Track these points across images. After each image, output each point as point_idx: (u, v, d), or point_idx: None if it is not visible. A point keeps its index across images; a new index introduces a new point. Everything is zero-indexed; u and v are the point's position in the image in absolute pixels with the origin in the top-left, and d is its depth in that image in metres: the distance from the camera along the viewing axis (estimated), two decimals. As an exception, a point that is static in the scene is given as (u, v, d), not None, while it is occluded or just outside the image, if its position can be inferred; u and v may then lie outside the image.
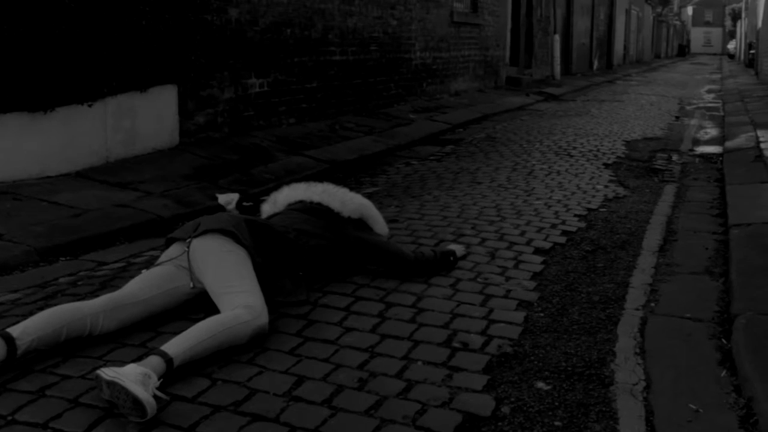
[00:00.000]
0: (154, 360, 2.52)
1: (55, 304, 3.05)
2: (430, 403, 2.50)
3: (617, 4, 32.24)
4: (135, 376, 2.38)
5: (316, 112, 8.86)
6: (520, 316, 3.29)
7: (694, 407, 2.52)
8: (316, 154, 7.21)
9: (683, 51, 68.20)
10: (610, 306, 3.44)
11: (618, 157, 7.86)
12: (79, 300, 3.26)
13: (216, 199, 4.62)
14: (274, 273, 3.31)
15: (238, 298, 2.91)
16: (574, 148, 8.45)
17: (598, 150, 8.30)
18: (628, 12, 36.35)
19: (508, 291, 3.61)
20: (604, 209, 5.40)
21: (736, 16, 63.73)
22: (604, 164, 7.36)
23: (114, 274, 3.84)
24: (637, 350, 2.96)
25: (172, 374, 2.54)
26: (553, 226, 4.86)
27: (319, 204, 3.75)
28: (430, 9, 12.22)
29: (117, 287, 3.25)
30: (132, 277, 3.30)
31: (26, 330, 2.69)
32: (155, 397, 2.38)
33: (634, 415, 2.49)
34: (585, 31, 26.34)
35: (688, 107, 14.08)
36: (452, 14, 13.26)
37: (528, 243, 4.43)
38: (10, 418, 2.39)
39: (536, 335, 3.09)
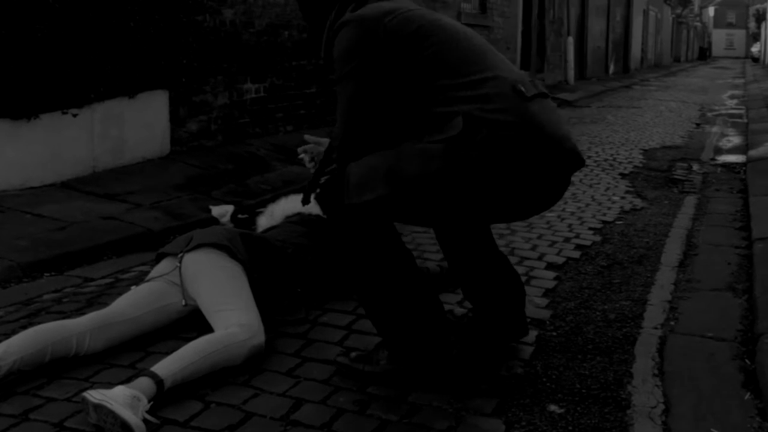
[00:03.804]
0: (143, 382, 2.52)
1: (39, 323, 3.06)
2: (436, 427, 2.50)
3: (634, 4, 32.33)
4: (123, 399, 2.38)
5: (316, 119, 8.89)
6: (531, 335, 3.28)
7: (716, 432, 2.52)
8: (315, 164, 7.22)
9: (704, 54, 68.32)
10: (626, 324, 3.44)
11: (635, 166, 7.87)
12: (64, 318, 3.27)
13: (209, 211, 4.63)
14: (271, 290, 3.33)
15: (233, 316, 2.92)
16: (589, 156, 8.46)
17: (614, 159, 8.32)
18: (645, 13, 36.45)
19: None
20: (621, 222, 5.40)
21: (760, 18, 63.81)
22: (621, 174, 7.38)
23: (101, 290, 3.85)
24: (656, 371, 2.96)
25: (163, 397, 2.54)
26: (567, 239, 4.87)
27: (318, 216, 3.76)
28: (436, 10, 12.25)
29: (104, 305, 3.26)
30: (120, 293, 3.30)
31: (8, 350, 2.70)
32: (145, 421, 2.39)
33: (652, 440, 2.49)
34: (600, 34, 26.40)
35: (709, 114, 14.10)
36: (459, 15, 13.31)
37: (540, 258, 4.44)
38: (-9, 443, 2.39)
39: (548, 355, 3.09)
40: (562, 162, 2.56)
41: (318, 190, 2.80)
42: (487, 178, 2.46)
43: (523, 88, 2.53)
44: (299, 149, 3.17)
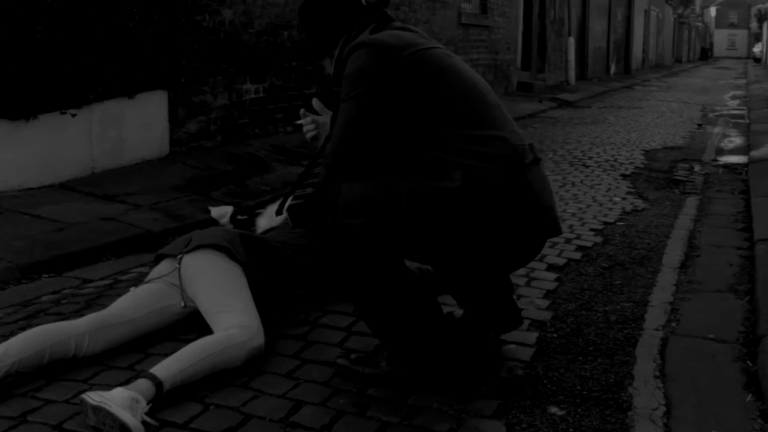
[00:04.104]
0: (142, 383, 2.52)
1: (38, 324, 3.06)
2: (437, 429, 2.50)
3: (636, 4, 32.34)
4: (122, 401, 2.39)
5: (315, 120, 8.87)
6: (532, 336, 3.29)
7: (717, 434, 2.52)
8: (315, 165, 7.22)
9: (706, 54, 68.38)
10: (628, 326, 3.44)
11: (636, 167, 7.88)
12: (63, 319, 3.27)
13: (208, 212, 4.63)
14: (270, 291, 3.33)
15: (233, 317, 2.92)
16: (590, 158, 8.47)
17: (615, 160, 8.32)
18: (647, 13, 36.47)
19: (520, 310, 3.60)
20: (622, 223, 5.41)
21: (762, 18, 63.86)
22: (622, 175, 7.38)
23: (100, 292, 3.85)
24: (657, 373, 2.96)
25: (162, 398, 2.55)
26: (568, 241, 4.87)
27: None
28: (436, 10, 12.27)
29: (103, 306, 3.26)
30: (119, 295, 3.31)
31: (7, 351, 2.70)
32: (144, 423, 2.39)
33: (653, 442, 2.49)
34: (601, 34, 26.41)
35: (711, 114, 14.11)
36: (460, 15, 13.32)
37: (541, 259, 4.43)
38: (-11, 445, 2.39)
39: (549, 357, 3.10)
40: (544, 229, 2.71)
41: (290, 202, 2.84)
42: (474, 233, 2.56)
43: (522, 154, 2.62)
44: (302, 111, 3.19)
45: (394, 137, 2.62)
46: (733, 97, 18.92)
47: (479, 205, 2.52)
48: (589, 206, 5.93)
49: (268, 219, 3.93)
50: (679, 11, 53.96)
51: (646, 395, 2.78)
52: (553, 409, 2.67)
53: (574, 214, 5.62)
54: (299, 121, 3.15)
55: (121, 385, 2.56)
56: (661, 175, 7.43)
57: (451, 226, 2.53)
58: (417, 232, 2.54)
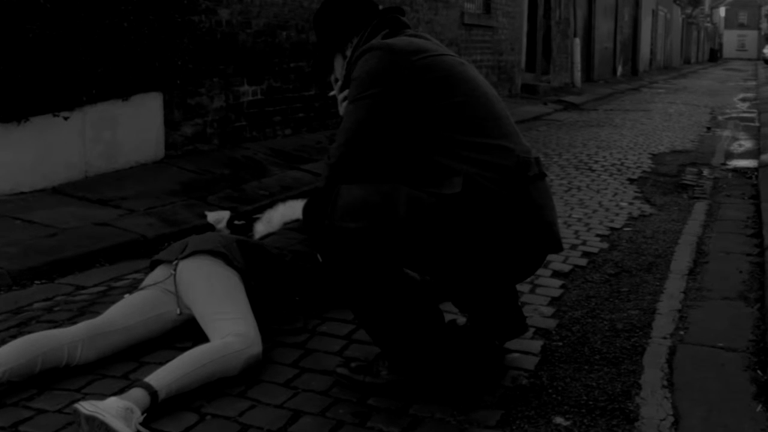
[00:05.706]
0: (137, 393, 2.52)
1: (30, 332, 3.07)
2: (439, 441, 2.51)
3: (643, 5, 32.37)
4: (116, 411, 2.39)
5: (315, 122, 8.90)
6: (536, 345, 3.29)
7: (727, 445, 2.52)
8: (315, 168, 7.24)
9: (715, 56, 68.44)
10: (635, 334, 3.45)
11: (644, 171, 7.88)
12: (55, 327, 3.27)
13: (205, 217, 4.65)
14: (268, 298, 3.33)
15: (229, 325, 2.93)
16: (596, 161, 8.47)
17: (622, 164, 8.33)
18: (654, 13, 36.50)
19: (524, 316, 3.60)
20: (629, 228, 5.41)
21: (772, 18, 63.90)
22: (629, 179, 7.39)
23: (93, 299, 3.85)
24: (665, 383, 2.96)
25: (157, 408, 2.55)
26: (573, 246, 4.87)
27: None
28: (438, 10, 12.29)
29: (97, 313, 3.26)
30: (113, 302, 3.30)
31: (-2, 360, 2.71)
32: (138, 433, 2.40)
33: (661, 453, 2.49)
34: (608, 35, 26.44)
35: (720, 117, 14.12)
36: (463, 15, 13.34)
37: (545, 265, 4.43)
38: (-20, 455, 2.40)
39: (554, 366, 3.10)
40: (544, 245, 2.73)
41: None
42: (472, 243, 2.58)
43: (526, 166, 2.65)
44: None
45: (399, 141, 2.64)
46: (743, 100, 18.93)
47: (478, 214, 2.54)
48: (595, 211, 5.94)
49: (266, 224, 3.94)
50: (688, 11, 53.97)
51: (653, 405, 2.78)
52: (559, 420, 2.67)
53: (579, 219, 5.62)
54: (332, 92, 3.14)
55: (115, 394, 2.56)
56: (669, 180, 7.44)
57: (449, 234, 2.54)
58: (415, 240, 2.55)
